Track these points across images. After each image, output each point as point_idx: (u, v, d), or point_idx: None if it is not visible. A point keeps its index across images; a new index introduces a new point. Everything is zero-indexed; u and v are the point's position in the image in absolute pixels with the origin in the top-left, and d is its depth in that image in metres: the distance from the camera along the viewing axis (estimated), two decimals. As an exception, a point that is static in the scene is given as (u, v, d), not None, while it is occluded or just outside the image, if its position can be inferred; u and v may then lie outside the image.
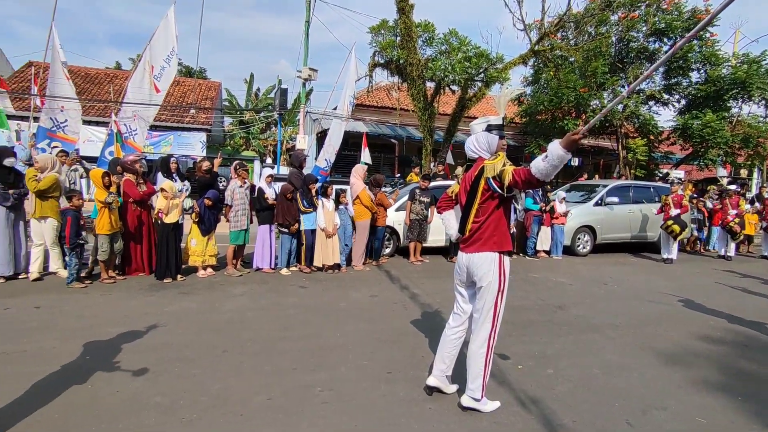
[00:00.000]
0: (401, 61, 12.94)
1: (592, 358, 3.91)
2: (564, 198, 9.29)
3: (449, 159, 14.24)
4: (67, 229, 5.28)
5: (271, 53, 70.75)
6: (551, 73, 14.43)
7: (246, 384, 3.14)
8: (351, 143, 16.10)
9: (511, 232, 8.58)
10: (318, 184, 7.00)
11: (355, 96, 13.41)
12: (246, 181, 6.60)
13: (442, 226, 3.37)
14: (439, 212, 3.32)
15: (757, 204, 11.26)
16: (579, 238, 9.54)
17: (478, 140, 2.88)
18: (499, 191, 2.71)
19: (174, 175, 6.64)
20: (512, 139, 18.07)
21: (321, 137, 15.38)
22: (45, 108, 9.51)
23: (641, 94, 15.05)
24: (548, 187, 9.94)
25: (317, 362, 3.57)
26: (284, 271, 6.59)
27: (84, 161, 7.86)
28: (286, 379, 3.26)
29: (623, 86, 14.86)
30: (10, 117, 10.23)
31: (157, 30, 9.38)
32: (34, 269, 5.62)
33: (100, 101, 16.93)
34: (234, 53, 69.02)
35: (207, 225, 6.13)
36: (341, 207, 7.05)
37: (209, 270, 6.28)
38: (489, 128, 2.86)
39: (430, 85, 13.87)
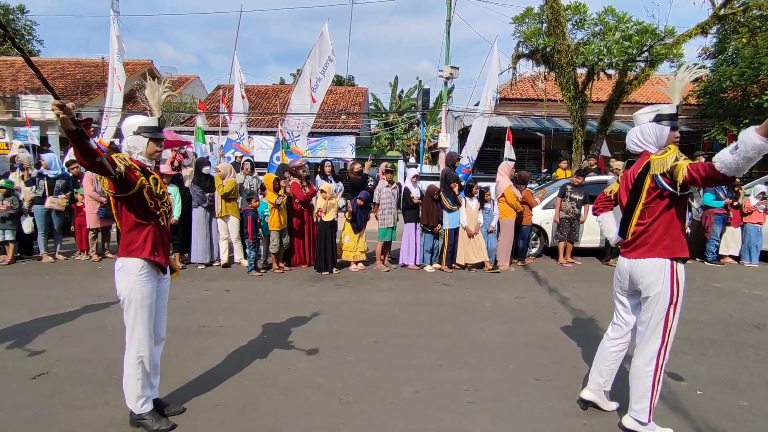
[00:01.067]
0: (548, 49, 12.12)
1: (804, 392, 3.16)
2: (763, 192, 7.60)
3: (604, 151, 12.86)
4: (248, 227, 6.27)
5: (413, 55, 72.86)
6: (743, 40, 11.93)
7: (395, 374, 3.34)
8: (493, 139, 15.66)
9: (686, 232, 7.40)
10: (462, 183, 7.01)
11: (497, 90, 13.03)
12: (393, 181, 6.95)
13: (596, 225, 3.09)
14: (595, 214, 3.04)
15: None
16: (784, 242, 7.72)
17: (643, 132, 2.57)
18: (671, 189, 2.37)
19: (329, 176, 7.34)
20: (686, 123, 15.50)
21: (463, 134, 15.33)
22: (231, 123, 11.42)
23: None
24: (737, 179, 8.25)
25: (462, 360, 3.60)
26: (428, 269, 6.78)
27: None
28: (433, 374, 3.36)
29: None
30: (205, 132, 12.49)
31: (313, 46, 10.46)
32: (224, 259, 6.79)
33: (269, 113, 19.57)
34: (379, 59, 72.96)
35: (359, 223, 6.65)
36: (486, 206, 6.93)
37: (360, 265, 6.80)
38: (658, 118, 2.52)
39: (581, 72, 12.71)
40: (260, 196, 6.55)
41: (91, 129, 2.17)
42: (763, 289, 6.04)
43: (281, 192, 6.41)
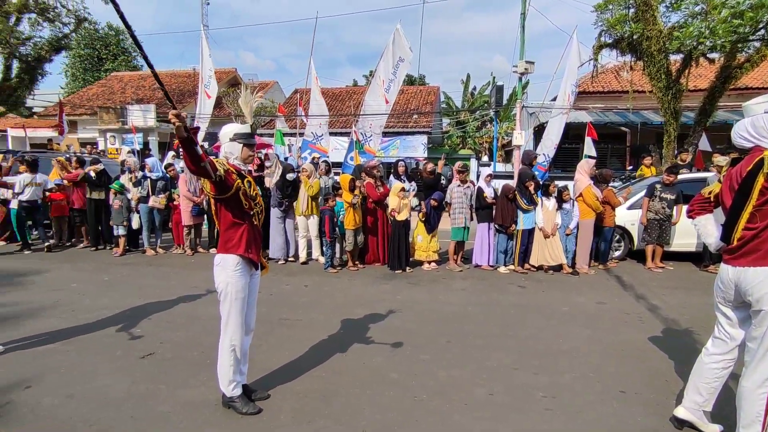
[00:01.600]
0: (635, 36, 11.23)
1: None
2: None
3: (703, 145, 11.64)
4: (326, 226, 6.53)
5: (486, 51, 70.96)
6: None
7: (469, 375, 3.32)
8: (572, 135, 14.81)
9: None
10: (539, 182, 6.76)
11: (577, 83, 12.32)
12: (466, 181, 6.87)
13: (692, 227, 2.82)
14: (690, 216, 2.77)
15: None
16: None
17: (755, 125, 2.31)
18: (794, 189, 2.11)
19: (402, 176, 7.41)
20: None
21: (538, 131, 14.70)
22: (308, 125, 11.96)
23: None
24: None
25: (539, 365, 3.49)
26: (502, 270, 6.62)
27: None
28: (507, 377, 3.30)
29: None
30: (284, 135, 13.18)
31: (386, 47, 10.60)
32: (302, 256, 7.12)
33: (343, 115, 20.17)
34: (450, 56, 72.02)
35: (432, 223, 6.67)
36: (565, 206, 6.60)
37: (433, 264, 6.81)
38: (777, 108, 2.26)
39: (674, 59, 11.63)
40: (335, 196, 6.78)
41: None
42: None
43: (356, 192, 6.60)
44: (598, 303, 5.17)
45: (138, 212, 7.64)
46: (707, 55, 11.17)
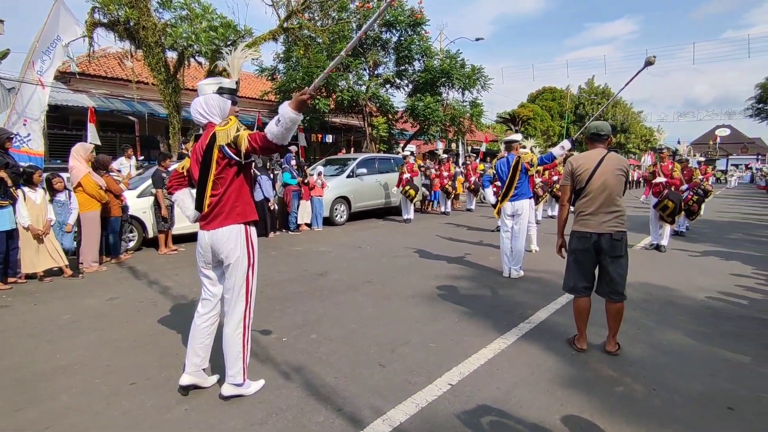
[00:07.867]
0: (132, 23, 10.99)
1: (351, 315, 4.20)
2: (321, 172, 9.73)
3: (203, 137, 13.09)
4: None
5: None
6: (301, 51, 14.76)
7: None
8: (73, 121, 13.08)
9: (272, 208, 8.53)
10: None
11: (72, 58, 10.71)
12: None
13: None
14: (170, 193, 2.90)
15: (461, 168, 14.40)
16: (336, 209, 10.22)
17: (207, 103, 2.60)
18: (236, 158, 2.51)
19: None
20: (268, 117, 17.94)
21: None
22: None
23: (379, 78, 16.99)
24: (304, 161, 10.24)
25: (26, 399, 2.73)
26: (-31, 291, 4.84)
27: None
28: (-32, 434, 2.37)
29: (364, 69, 16.46)
30: None
31: None
32: None
33: None
34: None
35: None
36: (58, 198, 5.57)
37: None
38: (221, 91, 2.62)
39: (173, 55, 12.32)
40: None
41: None
42: (326, 245, 7.76)
43: None
44: (109, 299, 4.71)
45: None
46: (196, 58, 12.46)
